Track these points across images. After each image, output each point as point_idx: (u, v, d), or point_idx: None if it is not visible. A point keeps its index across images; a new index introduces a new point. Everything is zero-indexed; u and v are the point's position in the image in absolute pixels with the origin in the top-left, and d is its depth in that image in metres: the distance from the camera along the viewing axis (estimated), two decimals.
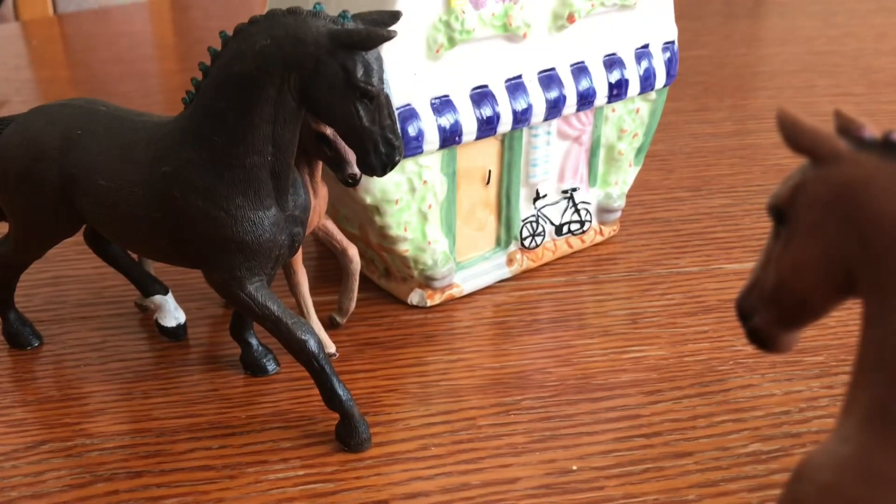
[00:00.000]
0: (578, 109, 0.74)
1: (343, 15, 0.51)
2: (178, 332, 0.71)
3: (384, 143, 0.51)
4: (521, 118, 0.70)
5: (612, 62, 0.75)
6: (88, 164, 0.58)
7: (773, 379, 0.66)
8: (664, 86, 0.80)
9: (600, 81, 0.74)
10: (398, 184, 0.67)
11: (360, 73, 0.49)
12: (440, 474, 0.57)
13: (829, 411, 0.62)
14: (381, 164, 0.52)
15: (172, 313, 0.71)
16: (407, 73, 0.64)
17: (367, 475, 0.57)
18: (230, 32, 0.54)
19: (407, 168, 0.67)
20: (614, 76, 0.75)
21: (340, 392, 0.58)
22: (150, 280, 0.71)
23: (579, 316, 0.74)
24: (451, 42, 0.65)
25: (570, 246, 0.82)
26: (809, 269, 0.35)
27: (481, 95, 0.68)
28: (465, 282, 0.76)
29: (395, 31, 0.49)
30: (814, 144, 0.34)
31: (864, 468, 0.31)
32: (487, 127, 0.69)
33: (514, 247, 0.79)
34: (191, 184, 0.55)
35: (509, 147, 0.73)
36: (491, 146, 0.72)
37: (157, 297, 0.71)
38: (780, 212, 0.36)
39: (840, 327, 0.70)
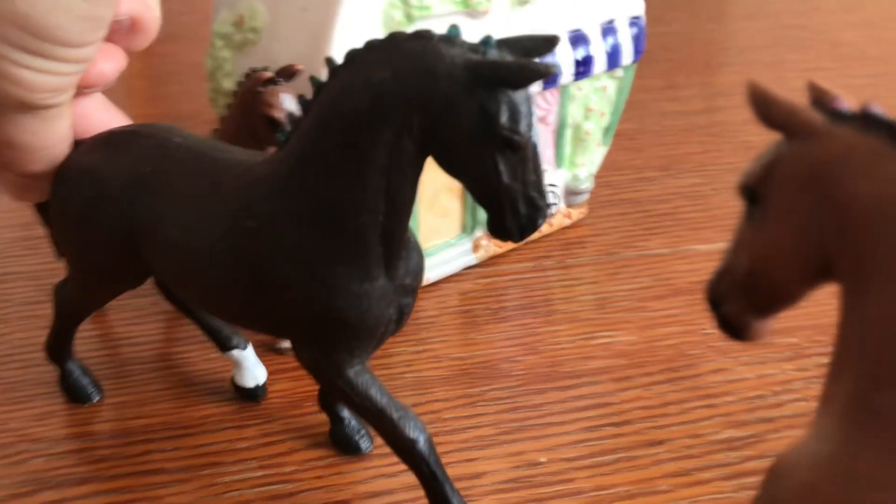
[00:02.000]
0: (543, 88, 0.72)
1: (485, 41, 0.40)
2: (258, 393, 0.61)
3: (525, 204, 0.41)
4: None
5: (577, 38, 0.72)
6: (158, 209, 0.48)
7: (745, 362, 0.64)
8: (632, 62, 0.77)
9: (565, 58, 0.72)
10: None
11: (504, 117, 0.39)
12: (404, 471, 0.55)
13: (803, 394, 0.61)
14: (518, 227, 0.42)
15: (251, 371, 0.61)
16: None
17: (327, 474, 0.55)
18: (336, 59, 0.44)
19: None
20: (580, 53, 0.72)
21: (455, 502, 0.49)
22: (227, 332, 0.61)
23: (547, 302, 0.72)
24: (409, 19, 0.62)
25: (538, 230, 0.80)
26: (784, 252, 0.33)
27: None
28: (430, 270, 0.74)
29: (555, 66, 0.40)
30: (787, 119, 0.32)
31: (845, 467, 0.29)
32: None
33: (479, 232, 0.76)
34: (282, 244, 0.45)
35: None
36: None
37: (235, 353, 0.61)
38: (752, 192, 0.34)
39: (813, 307, 0.68)
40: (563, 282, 0.75)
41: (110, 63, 0.51)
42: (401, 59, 0.40)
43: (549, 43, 0.40)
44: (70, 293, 0.57)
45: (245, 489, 0.54)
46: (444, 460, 0.55)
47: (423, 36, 0.40)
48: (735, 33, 1.40)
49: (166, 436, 0.58)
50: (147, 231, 0.49)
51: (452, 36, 0.40)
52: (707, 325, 0.68)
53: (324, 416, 0.60)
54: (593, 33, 0.73)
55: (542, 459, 0.56)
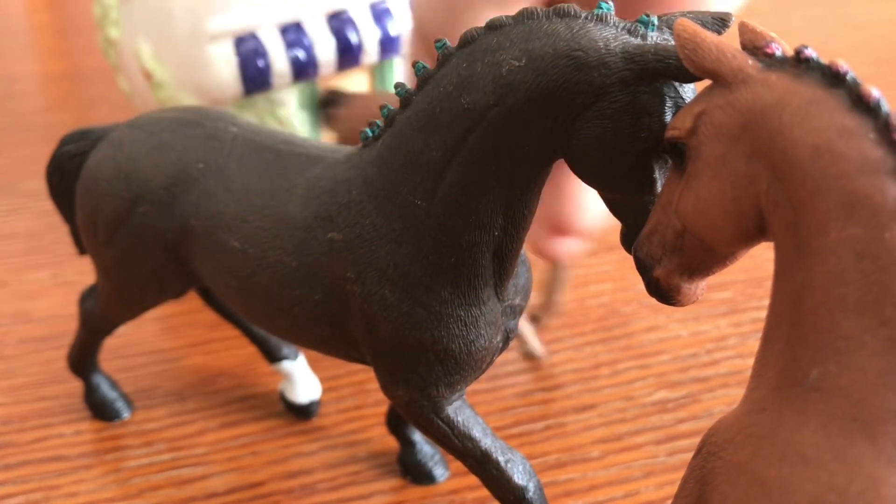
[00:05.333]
0: None
1: (644, 20, 0.32)
2: (312, 410, 0.54)
3: None
4: (389, 47, 0.63)
5: None
6: (214, 214, 0.42)
7: (679, 319, 0.62)
8: None
9: None
10: None
11: (668, 117, 0.32)
12: (324, 448, 0.52)
13: (737, 351, 0.59)
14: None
15: (303, 385, 0.54)
16: None
17: (241, 455, 0.51)
18: (448, 41, 0.35)
19: (257, 105, 0.59)
20: None
21: None
22: (275, 341, 0.55)
23: None
24: None
25: None
26: (716, 209, 0.30)
27: (341, 21, 0.61)
28: None
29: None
30: (717, 63, 0.29)
31: (780, 444, 0.27)
32: (349, 57, 0.61)
33: None
34: (374, 263, 0.38)
35: (381, 80, 0.66)
36: (359, 79, 0.65)
37: (285, 364, 0.54)
38: (679, 145, 0.31)
39: (748, 260, 0.66)
40: None
41: None
42: (539, 42, 0.33)
43: (721, 21, 0.32)
44: (99, 304, 0.50)
45: (152, 474, 0.50)
46: (365, 435, 0.53)
47: (568, 13, 0.33)
48: None
49: (66, 419, 0.54)
50: (199, 240, 0.42)
51: (604, 13, 0.33)
52: (641, 282, 0.66)
53: (242, 393, 0.56)
54: None
55: None
